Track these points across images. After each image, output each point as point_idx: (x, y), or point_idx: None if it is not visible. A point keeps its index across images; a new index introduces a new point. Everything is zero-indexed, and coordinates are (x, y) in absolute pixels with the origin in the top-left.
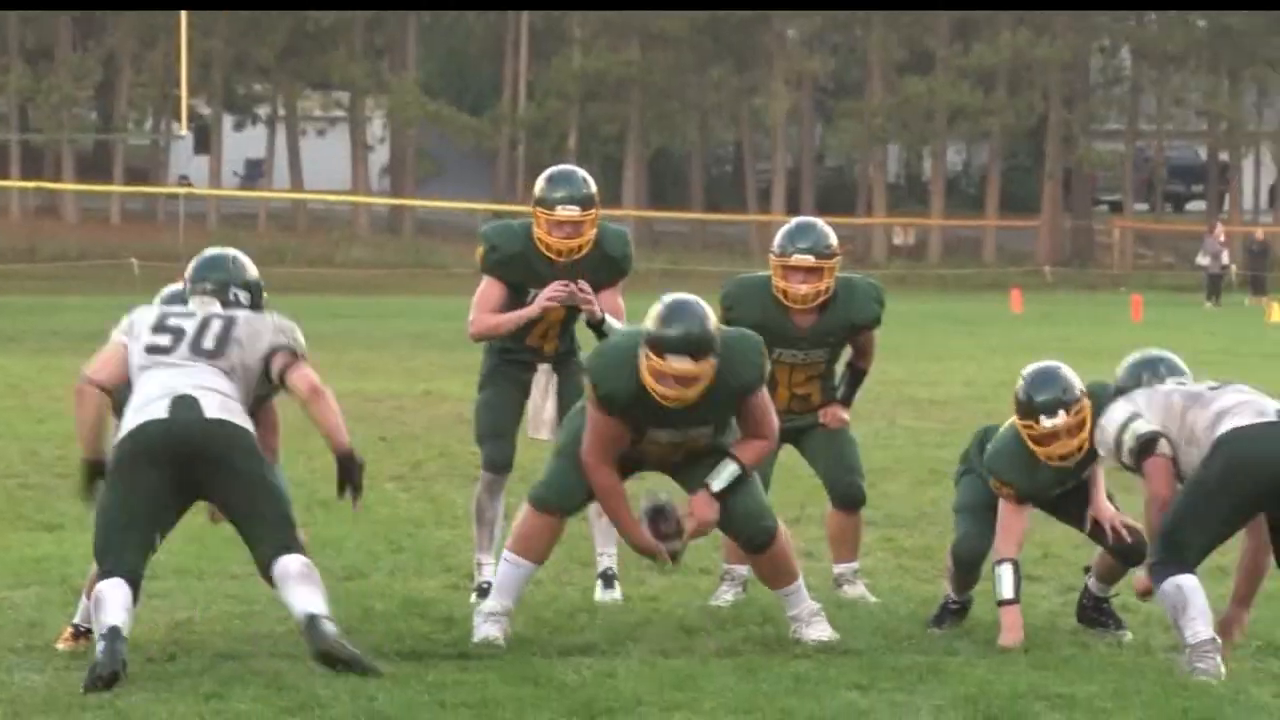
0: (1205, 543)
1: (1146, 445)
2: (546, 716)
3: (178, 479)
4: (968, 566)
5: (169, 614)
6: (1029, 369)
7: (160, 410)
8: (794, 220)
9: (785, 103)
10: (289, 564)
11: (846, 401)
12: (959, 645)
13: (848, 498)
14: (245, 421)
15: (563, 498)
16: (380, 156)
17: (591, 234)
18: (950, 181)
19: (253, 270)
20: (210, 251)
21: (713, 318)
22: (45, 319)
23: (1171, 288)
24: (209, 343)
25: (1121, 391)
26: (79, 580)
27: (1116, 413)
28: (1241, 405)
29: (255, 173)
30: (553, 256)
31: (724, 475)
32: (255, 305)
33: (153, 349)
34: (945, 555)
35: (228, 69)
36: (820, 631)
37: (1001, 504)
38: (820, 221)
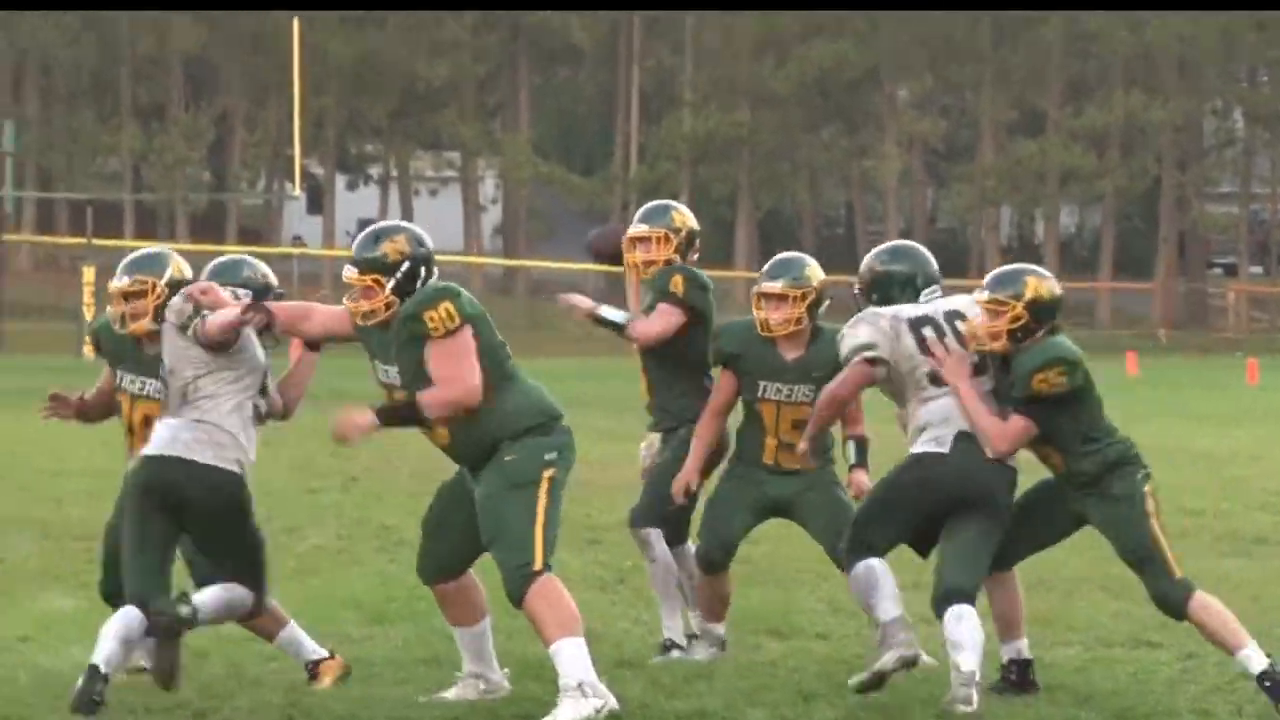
0: (889, 541)
1: (859, 350)
2: None
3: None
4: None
5: (285, 676)
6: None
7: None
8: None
9: (897, 164)
10: None
11: (864, 466)
12: (1082, 714)
13: None
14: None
15: (423, 571)
16: (493, 217)
17: (664, 255)
18: (1063, 244)
19: (253, 271)
20: (220, 259)
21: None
22: None
23: None
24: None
25: (877, 284)
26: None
27: (861, 334)
28: (934, 424)
29: None
30: (633, 273)
31: (389, 403)
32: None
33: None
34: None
35: (340, 129)
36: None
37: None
38: (804, 256)
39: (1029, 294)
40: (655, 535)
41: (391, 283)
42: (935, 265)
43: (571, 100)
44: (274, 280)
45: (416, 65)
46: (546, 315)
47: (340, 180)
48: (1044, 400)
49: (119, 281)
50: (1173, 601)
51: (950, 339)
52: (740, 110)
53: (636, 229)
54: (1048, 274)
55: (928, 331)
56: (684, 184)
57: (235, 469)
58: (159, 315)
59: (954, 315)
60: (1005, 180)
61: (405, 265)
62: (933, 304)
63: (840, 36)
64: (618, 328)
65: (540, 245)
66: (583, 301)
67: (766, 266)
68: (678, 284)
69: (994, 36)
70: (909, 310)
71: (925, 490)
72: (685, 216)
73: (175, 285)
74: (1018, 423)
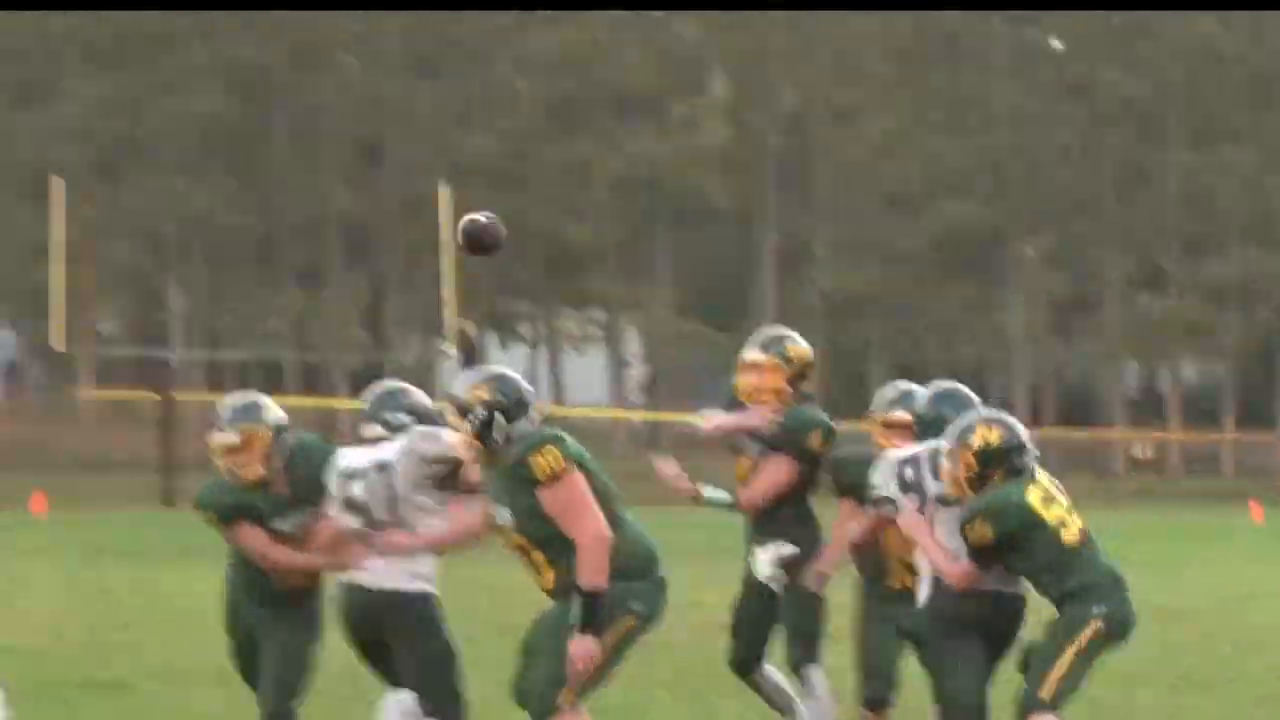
0: (981, 686)
1: (878, 501)
2: None
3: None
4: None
5: None
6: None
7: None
8: (890, 385)
9: (1024, 319)
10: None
11: None
12: None
13: None
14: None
15: (517, 694)
16: (637, 372)
17: (773, 384)
18: (1187, 396)
19: (412, 399)
20: (377, 389)
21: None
22: None
23: None
24: (380, 513)
25: (922, 422)
26: None
27: (875, 476)
28: (925, 572)
29: None
30: (741, 398)
31: (575, 612)
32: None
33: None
34: None
35: (492, 289)
36: None
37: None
38: (917, 387)
39: (977, 443)
40: (815, 672)
41: (468, 426)
42: (972, 402)
43: (710, 258)
44: (430, 406)
45: (560, 227)
46: (688, 467)
47: (492, 338)
48: (982, 547)
49: (228, 436)
50: (1024, 708)
51: (928, 479)
52: (872, 267)
53: (751, 355)
54: (1001, 420)
55: (908, 471)
56: (819, 338)
57: (425, 586)
58: (266, 460)
59: (939, 453)
60: (1129, 335)
61: (481, 411)
62: (931, 442)
63: (968, 196)
64: (727, 507)
65: (684, 399)
66: (682, 483)
67: (889, 398)
68: (815, 440)
69: (1115, 195)
70: (903, 452)
71: (936, 635)
72: (800, 348)
73: (278, 429)
74: (965, 565)
